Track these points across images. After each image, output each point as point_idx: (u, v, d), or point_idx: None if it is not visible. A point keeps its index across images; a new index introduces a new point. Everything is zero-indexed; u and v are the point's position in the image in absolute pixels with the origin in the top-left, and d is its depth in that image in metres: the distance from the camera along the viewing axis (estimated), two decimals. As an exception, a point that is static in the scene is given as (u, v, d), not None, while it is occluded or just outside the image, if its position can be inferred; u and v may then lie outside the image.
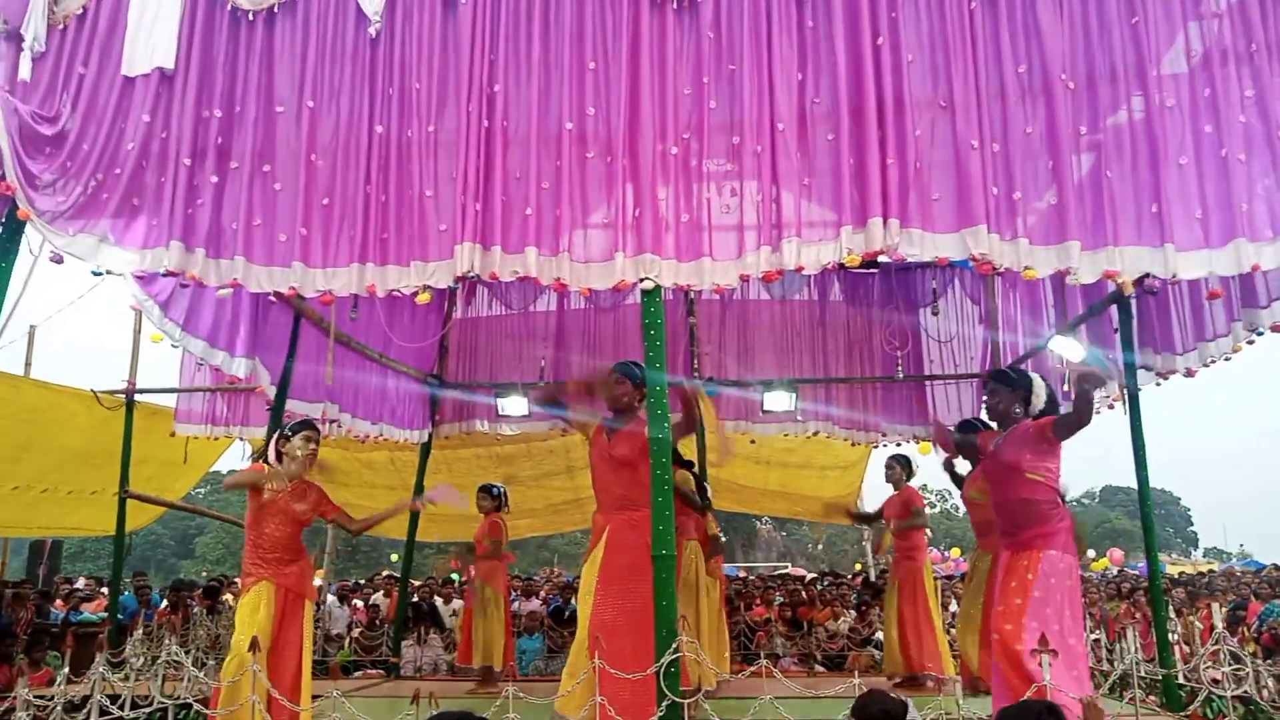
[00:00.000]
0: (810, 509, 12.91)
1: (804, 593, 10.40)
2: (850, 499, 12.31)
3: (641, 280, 4.13)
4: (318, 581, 12.00)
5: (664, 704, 3.78)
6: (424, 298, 4.32)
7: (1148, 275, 3.91)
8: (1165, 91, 3.94)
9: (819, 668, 8.41)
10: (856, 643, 8.85)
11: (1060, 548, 3.92)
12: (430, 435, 8.47)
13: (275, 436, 4.85)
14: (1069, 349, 6.38)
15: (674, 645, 3.85)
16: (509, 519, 7.45)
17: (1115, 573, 20.14)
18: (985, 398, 4.29)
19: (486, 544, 7.03)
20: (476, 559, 7.09)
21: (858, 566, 20.37)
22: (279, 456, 4.76)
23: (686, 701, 3.85)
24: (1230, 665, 4.67)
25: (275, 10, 4.49)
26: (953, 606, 9.00)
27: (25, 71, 4.52)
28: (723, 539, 6.38)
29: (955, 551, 30.84)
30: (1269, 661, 5.23)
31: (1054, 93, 3.98)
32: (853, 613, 9.41)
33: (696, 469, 6.75)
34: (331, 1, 4.48)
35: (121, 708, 4.64)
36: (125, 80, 4.47)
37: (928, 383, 8.18)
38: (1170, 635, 5.49)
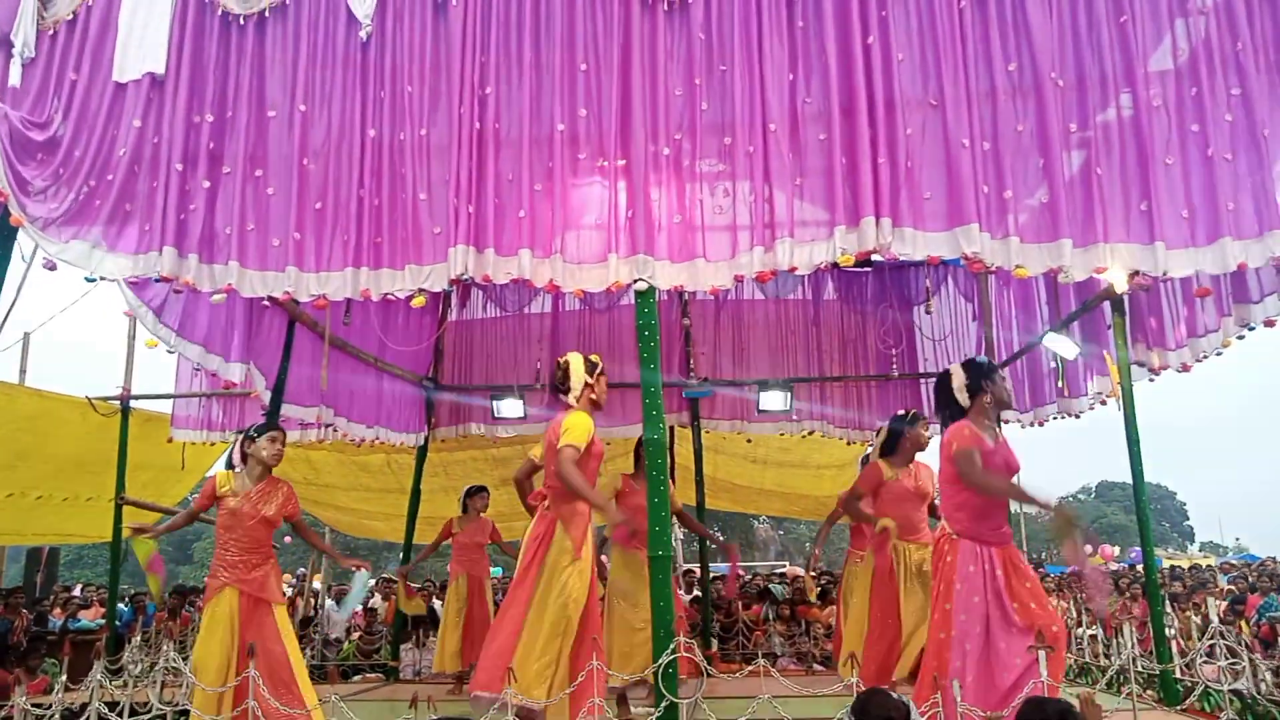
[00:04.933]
0: (806, 508, 12.91)
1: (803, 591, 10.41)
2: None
3: (635, 281, 4.14)
4: (315, 585, 12.00)
5: (662, 704, 3.79)
6: (418, 301, 4.32)
7: (1138, 273, 3.92)
8: (1153, 90, 3.96)
9: (817, 666, 8.42)
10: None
11: None
12: (426, 438, 8.47)
13: (240, 439, 4.83)
14: (1062, 346, 6.39)
15: (671, 646, 3.86)
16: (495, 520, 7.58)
17: (1112, 568, 20.17)
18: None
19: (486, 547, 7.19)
20: (477, 560, 7.18)
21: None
22: (244, 458, 4.75)
23: (684, 701, 3.86)
24: (1227, 659, 4.68)
25: (266, 14, 4.49)
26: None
27: (15, 78, 4.51)
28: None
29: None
30: (1268, 655, 5.24)
31: (1044, 91, 3.99)
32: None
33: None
34: (322, 5, 4.49)
35: (120, 715, 4.63)
36: (116, 86, 4.47)
37: (922, 380, 8.19)
38: (1167, 630, 5.50)
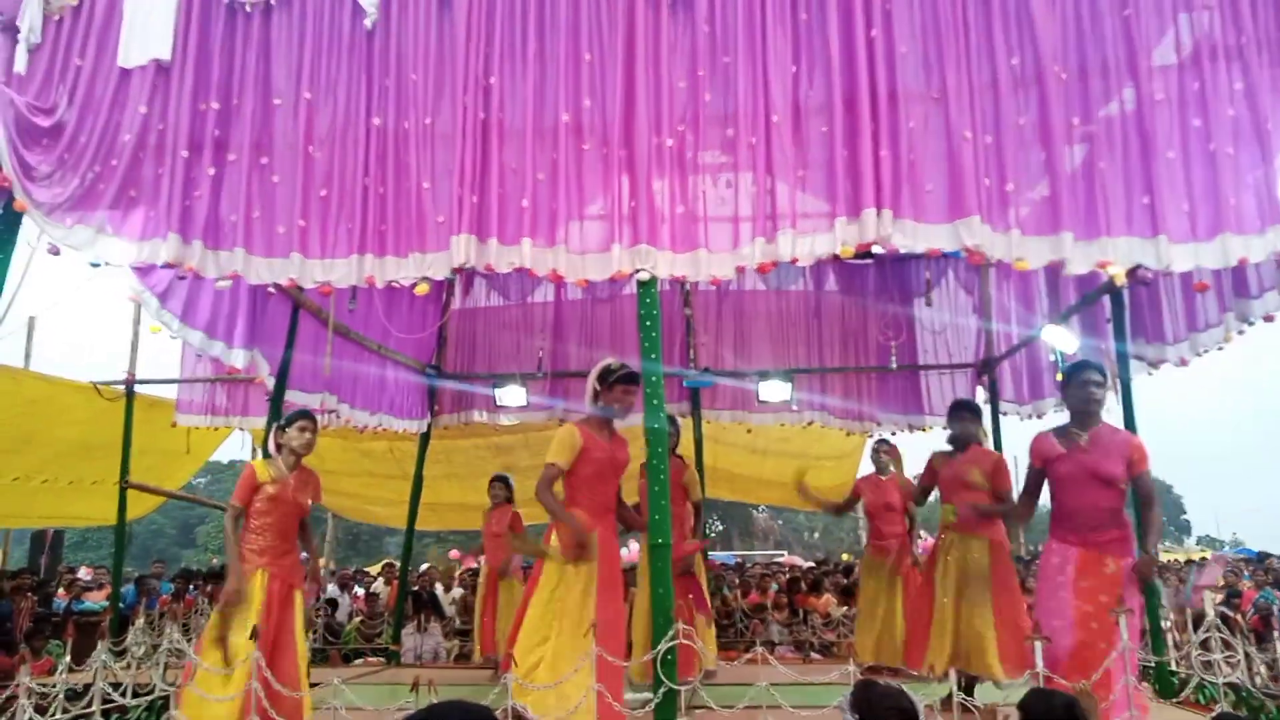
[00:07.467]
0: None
1: (801, 581, 10.48)
2: (840, 490, 12.35)
3: (637, 271, 4.16)
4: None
5: (661, 691, 3.83)
6: (422, 289, 4.35)
7: (1140, 266, 3.94)
8: (1155, 84, 3.96)
9: (814, 655, 8.48)
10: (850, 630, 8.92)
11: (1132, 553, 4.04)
12: (429, 425, 8.51)
13: (274, 428, 4.89)
14: (1061, 339, 6.41)
15: (671, 633, 3.90)
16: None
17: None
18: (1094, 392, 4.10)
19: (510, 536, 7.20)
20: (496, 550, 7.20)
21: (845, 557, 20.48)
22: (277, 448, 4.80)
23: (683, 688, 3.89)
24: (1222, 652, 4.72)
25: (272, 2, 4.50)
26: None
27: (21, 63, 4.52)
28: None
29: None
30: (1262, 648, 5.27)
31: (1046, 84, 4.00)
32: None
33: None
34: (328, -7, 4.49)
35: (124, 695, 4.68)
36: (122, 72, 4.48)
37: (922, 372, 8.23)
38: (1163, 623, 5.54)
